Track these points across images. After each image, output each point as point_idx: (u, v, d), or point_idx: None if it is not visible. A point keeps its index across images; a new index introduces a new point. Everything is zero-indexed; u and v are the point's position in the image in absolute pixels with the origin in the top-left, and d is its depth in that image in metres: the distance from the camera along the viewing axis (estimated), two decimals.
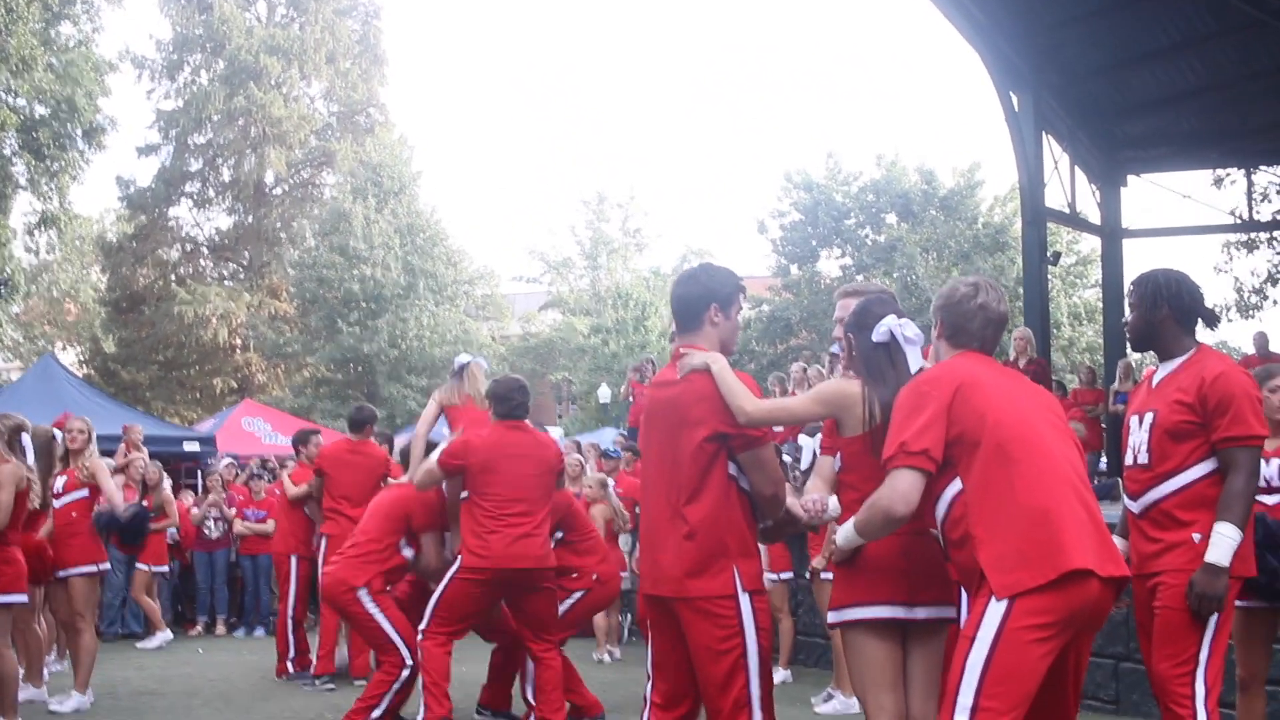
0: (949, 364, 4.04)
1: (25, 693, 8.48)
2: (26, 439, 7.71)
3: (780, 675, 9.36)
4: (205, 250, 42.45)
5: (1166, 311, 4.73)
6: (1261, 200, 21.70)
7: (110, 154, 54.94)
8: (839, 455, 4.40)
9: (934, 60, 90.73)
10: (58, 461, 8.66)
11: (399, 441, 10.42)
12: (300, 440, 11.31)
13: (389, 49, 49.42)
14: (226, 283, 41.29)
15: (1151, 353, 4.92)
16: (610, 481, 11.70)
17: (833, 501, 4.38)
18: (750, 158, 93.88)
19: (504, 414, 7.10)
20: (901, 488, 3.81)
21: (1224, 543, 4.40)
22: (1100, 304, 24.48)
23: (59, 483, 8.66)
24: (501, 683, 7.91)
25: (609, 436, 19.33)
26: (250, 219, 41.47)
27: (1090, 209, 18.75)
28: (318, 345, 36.92)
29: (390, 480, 9.43)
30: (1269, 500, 5.25)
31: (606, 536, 10.22)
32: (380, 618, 7.50)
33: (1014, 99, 16.52)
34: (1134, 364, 16.55)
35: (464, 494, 7.10)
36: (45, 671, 9.28)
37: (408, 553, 7.69)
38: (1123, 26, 16.04)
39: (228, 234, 41.97)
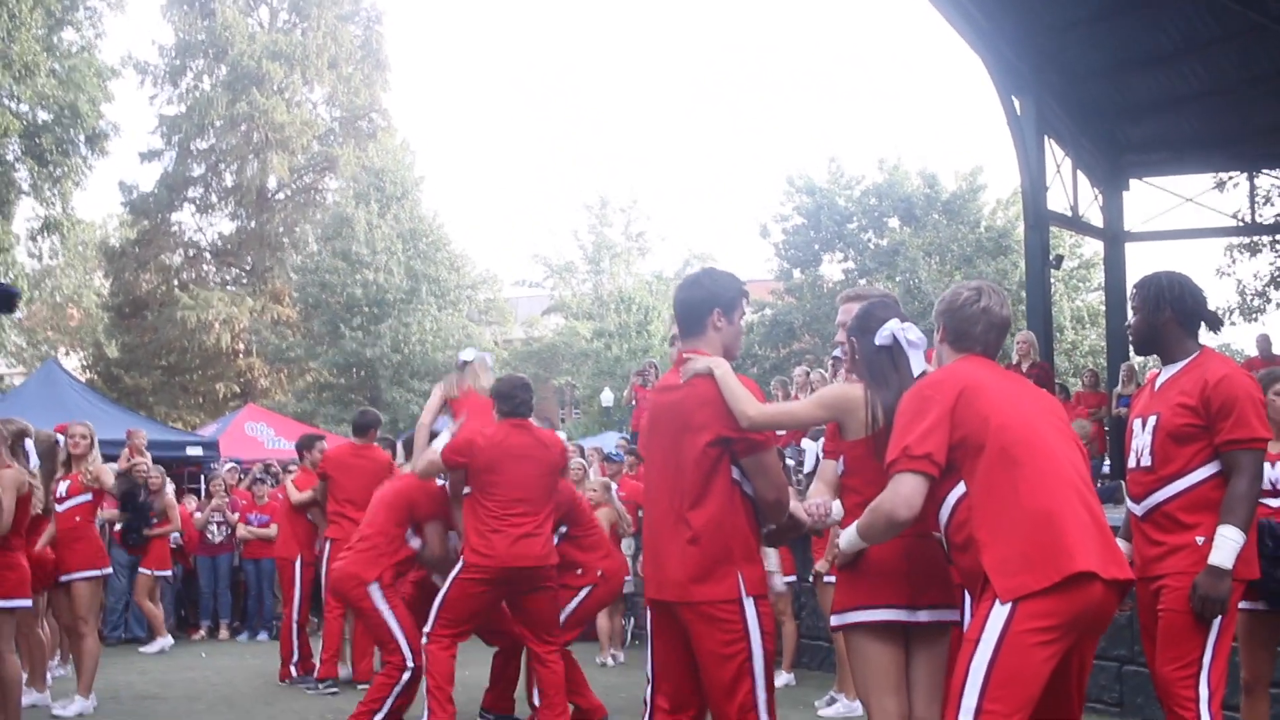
0: (952, 368, 4.04)
1: (29, 697, 8.50)
2: (29, 444, 7.72)
3: (784, 678, 9.36)
4: (208, 255, 42.51)
5: (1169, 315, 4.73)
6: (1264, 203, 21.70)
7: (113, 159, 55.20)
8: (842, 459, 4.40)
9: (936, 64, 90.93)
10: (60, 466, 8.67)
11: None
12: (304, 445, 11.31)
13: (391, 54, 49.41)
14: (229, 288, 41.33)
15: (1154, 356, 4.92)
16: (613, 485, 11.70)
17: (836, 505, 4.38)
18: (752, 161, 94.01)
19: (507, 412, 7.10)
20: (904, 492, 3.81)
21: (1227, 545, 4.40)
22: (1103, 307, 24.46)
23: (62, 487, 8.67)
24: (503, 685, 7.92)
25: (612, 440, 19.34)
26: (253, 224, 41.51)
27: (1092, 212, 18.74)
28: (320, 350, 36.94)
29: None
30: (1273, 503, 5.25)
31: (610, 540, 10.21)
32: (388, 615, 7.50)
33: (1016, 103, 16.51)
34: (1137, 367, 16.55)
35: (466, 489, 7.11)
36: (48, 676, 9.29)
37: (415, 543, 7.70)
38: (1124, 30, 16.04)
39: (230, 239, 42.02)
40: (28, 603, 7.66)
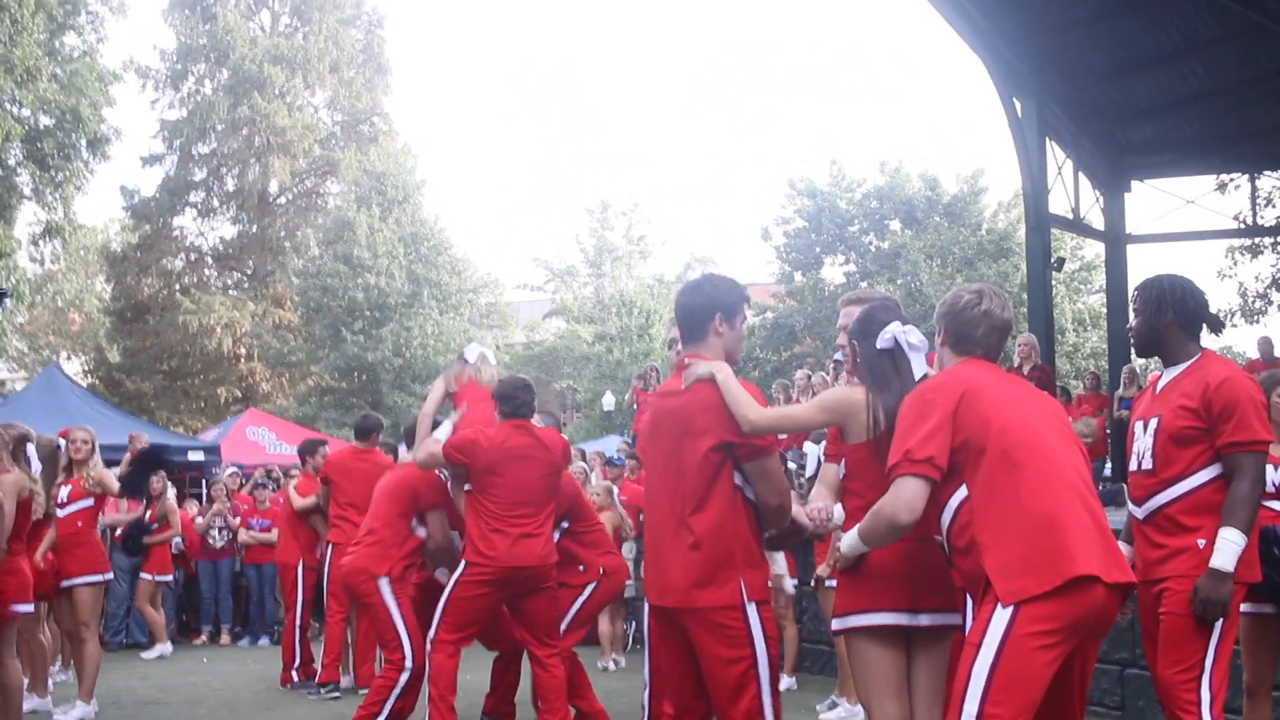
0: (953, 371, 4.04)
1: (30, 702, 8.49)
2: (31, 449, 7.71)
3: (785, 682, 9.34)
4: (209, 260, 42.51)
5: (1171, 317, 4.73)
6: (1265, 205, 21.71)
7: (114, 164, 55.19)
8: (843, 462, 4.40)
9: (937, 66, 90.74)
10: (60, 471, 8.67)
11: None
12: (307, 450, 11.30)
13: (392, 58, 49.61)
14: (231, 292, 41.34)
15: (1156, 358, 4.91)
16: (615, 489, 11.70)
17: (837, 510, 4.37)
18: (754, 165, 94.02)
19: (509, 413, 7.09)
20: (906, 495, 3.81)
21: (1229, 548, 4.39)
22: (1104, 310, 24.46)
23: (63, 492, 8.66)
24: (504, 690, 7.89)
25: (613, 444, 19.33)
26: (254, 228, 41.52)
27: (1094, 215, 18.74)
28: (322, 354, 36.93)
29: None
30: (1276, 505, 5.23)
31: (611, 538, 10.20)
32: (394, 611, 7.50)
33: (1017, 105, 16.51)
34: (1138, 370, 16.54)
35: (467, 486, 7.10)
36: (50, 681, 9.29)
37: (421, 532, 7.69)
38: (1125, 31, 16.03)
39: (232, 243, 42.03)
40: (29, 608, 7.65)
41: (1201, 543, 4.45)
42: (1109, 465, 15.52)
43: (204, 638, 14.31)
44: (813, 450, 9.06)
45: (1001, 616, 3.64)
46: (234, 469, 16.12)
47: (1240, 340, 30.18)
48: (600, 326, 41.67)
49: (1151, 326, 4.77)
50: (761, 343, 37.00)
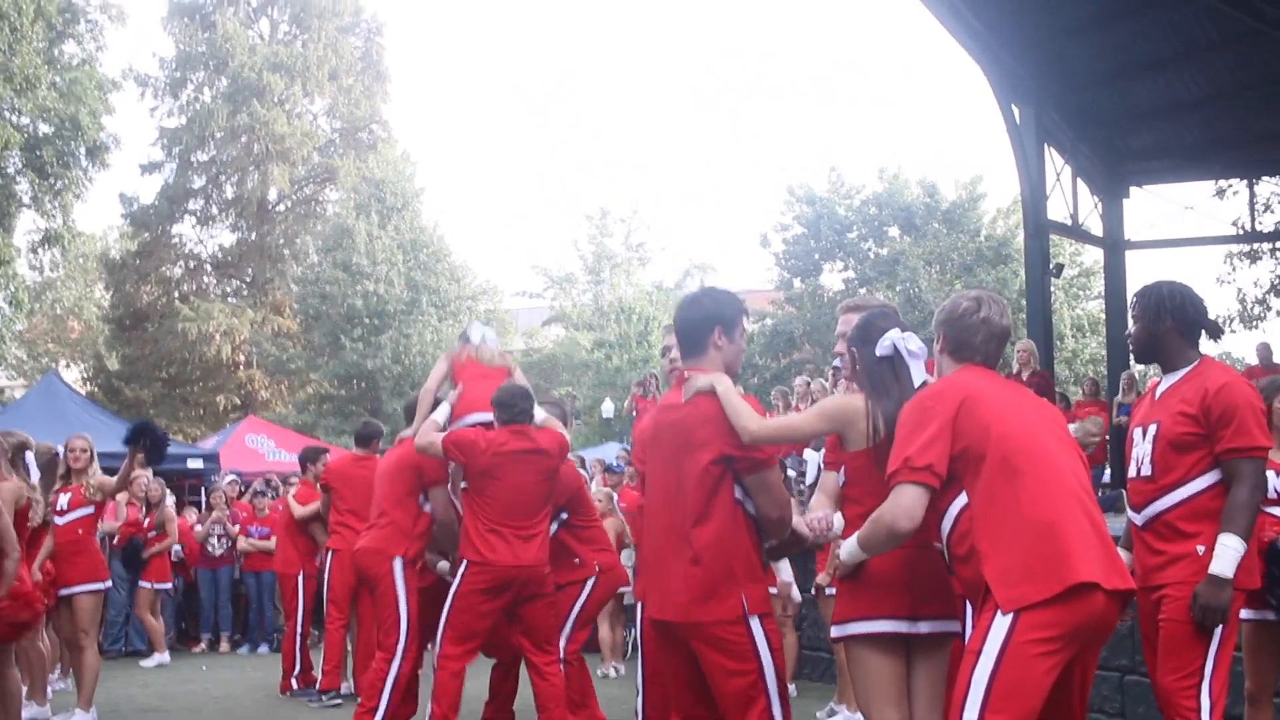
0: (952, 378, 4.04)
1: (29, 710, 8.48)
2: (30, 457, 7.71)
3: None
4: (208, 267, 42.51)
5: (1170, 323, 4.73)
6: (1264, 210, 21.71)
7: (113, 172, 55.27)
8: (843, 470, 4.40)
9: (936, 73, 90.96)
10: (58, 479, 8.66)
11: None
12: (309, 458, 11.30)
13: (391, 65, 49.54)
14: (230, 299, 41.33)
15: (1155, 365, 4.91)
16: (615, 495, 11.70)
17: (837, 519, 4.37)
18: (752, 171, 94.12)
19: (506, 420, 7.09)
20: (905, 503, 3.81)
21: (1228, 554, 4.39)
22: (1103, 316, 24.46)
23: (63, 500, 8.65)
24: (502, 699, 7.88)
25: (613, 451, 19.31)
26: (253, 236, 41.53)
27: (1092, 221, 18.75)
28: (321, 362, 36.92)
29: None
30: (1276, 512, 5.23)
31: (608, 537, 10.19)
32: (402, 594, 7.51)
33: (1015, 111, 16.53)
34: (1137, 376, 16.54)
35: (464, 484, 7.11)
36: (49, 689, 9.28)
37: (429, 508, 7.71)
38: (1123, 38, 16.06)
39: (231, 251, 42.03)
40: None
41: (1201, 549, 4.45)
42: (1108, 471, 15.51)
43: (203, 645, 14.30)
44: (813, 458, 9.08)
45: (1001, 624, 3.63)
46: (233, 477, 16.12)
47: (1239, 346, 30.22)
48: (599, 333, 41.62)
49: (1150, 333, 4.78)
50: (760, 349, 36.97)
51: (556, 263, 45.51)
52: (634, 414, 16.25)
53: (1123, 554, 4.54)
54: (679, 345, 4.79)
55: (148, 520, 13.02)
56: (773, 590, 5.74)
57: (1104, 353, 23.56)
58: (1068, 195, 18.07)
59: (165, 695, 10.49)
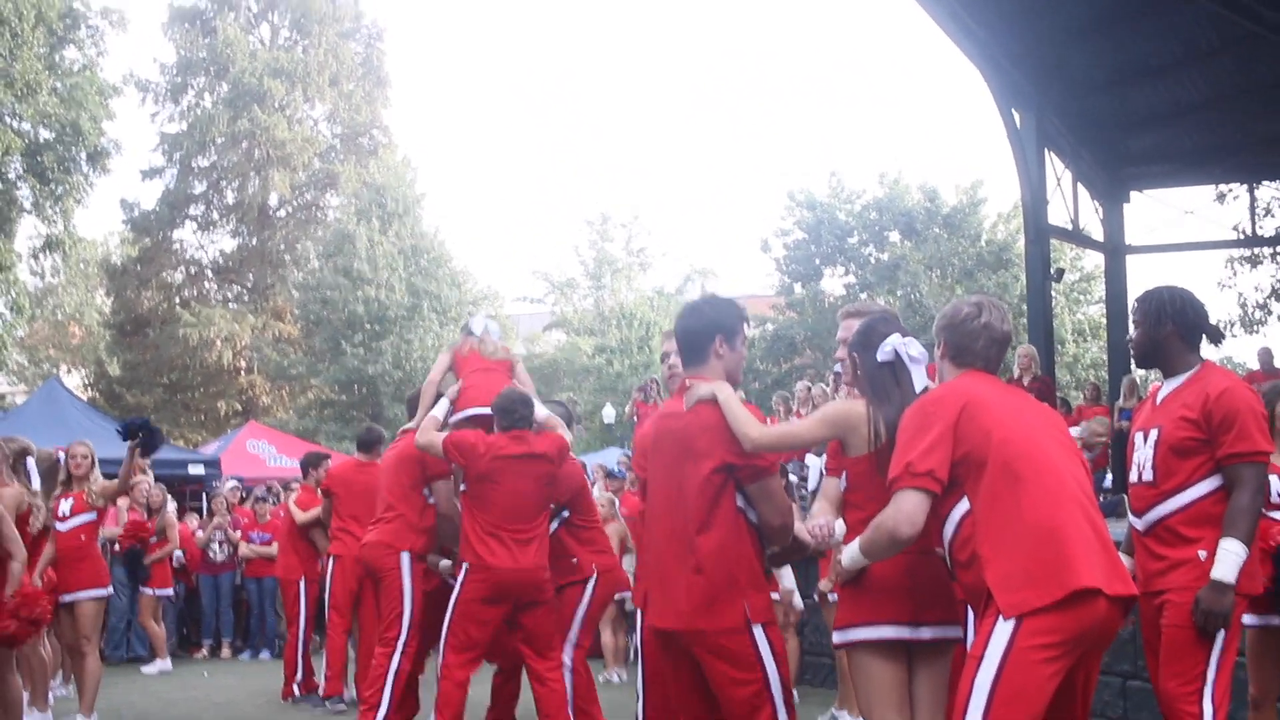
0: (953, 384, 4.04)
1: (30, 717, 8.46)
2: (31, 462, 7.71)
3: None
4: (209, 273, 42.51)
5: (1171, 328, 4.73)
6: (1264, 215, 21.69)
7: (114, 177, 55.32)
8: (844, 475, 4.40)
9: (936, 78, 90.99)
10: (59, 485, 8.66)
11: None
12: (311, 463, 11.30)
13: (392, 71, 49.65)
14: (231, 305, 41.34)
15: (1156, 369, 4.91)
16: (617, 501, 11.70)
17: (839, 525, 4.37)
18: (753, 176, 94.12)
19: (507, 426, 7.09)
20: (907, 509, 3.81)
21: (1230, 559, 4.38)
22: (1104, 320, 24.47)
23: (66, 506, 8.64)
24: (503, 705, 7.88)
25: (614, 457, 19.31)
26: (254, 241, 41.54)
27: (1093, 225, 18.73)
28: (322, 367, 36.92)
29: None
30: (1278, 515, 5.23)
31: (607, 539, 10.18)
32: (408, 588, 7.53)
33: (1016, 116, 16.52)
34: (1138, 380, 16.53)
35: (463, 487, 7.11)
36: (50, 696, 9.25)
37: (433, 501, 7.71)
38: (1124, 42, 16.04)
39: (232, 256, 42.04)
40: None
41: (1202, 554, 4.45)
42: (1109, 476, 15.51)
43: (205, 651, 14.30)
44: (815, 463, 9.06)
45: (1003, 629, 3.63)
46: (234, 482, 16.11)
47: (1240, 351, 30.23)
48: (600, 339, 41.65)
49: (1151, 338, 4.78)
50: (761, 354, 37.00)
51: (557, 268, 45.65)
52: (635, 419, 16.26)
53: (1124, 559, 4.55)
54: (680, 353, 4.80)
55: (148, 525, 13.00)
56: (775, 596, 5.74)
57: (1105, 357, 23.56)
58: (1068, 200, 18.06)
59: (167, 701, 10.49)
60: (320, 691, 10.07)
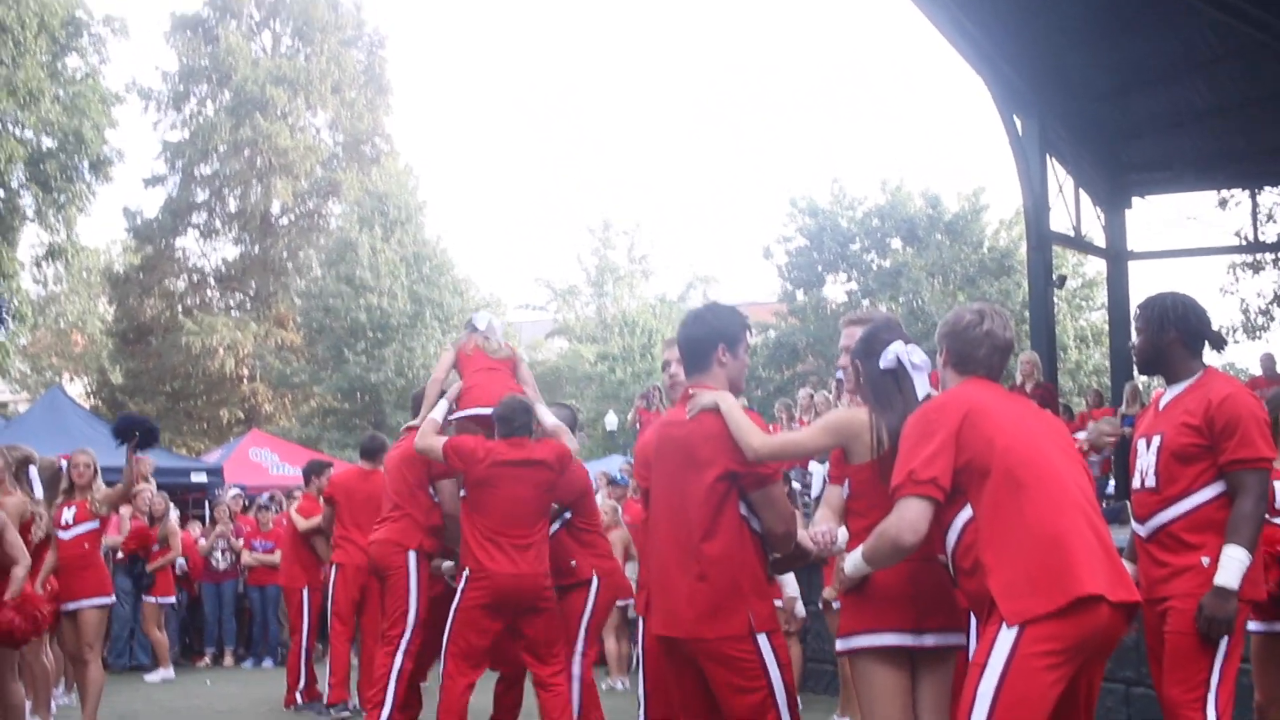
0: (956, 391, 4.04)
1: None
2: (34, 471, 7.71)
3: None
4: (212, 281, 42.49)
5: (1174, 334, 4.72)
6: (1267, 221, 21.72)
7: (117, 185, 55.50)
8: (847, 483, 4.40)
9: (938, 85, 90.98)
10: (61, 493, 8.66)
11: None
12: (313, 471, 11.29)
13: (394, 79, 49.68)
14: (233, 313, 41.34)
15: (1159, 376, 4.91)
16: (619, 508, 11.70)
17: (841, 532, 4.37)
18: (755, 183, 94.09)
19: (506, 434, 7.09)
20: (909, 516, 3.81)
21: (1233, 565, 4.37)
22: (1106, 327, 24.47)
23: (69, 514, 8.63)
24: (506, 712, 7.87)
25: (616, 464, 19.31)
26: (256, 249, 41.54)
27: (1095, 232, 18.77)
28: (325, 375, 36.92)
29: None
30: None
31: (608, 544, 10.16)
32: (414, 589, 7.53)
33: (1018, 123, 16.55)
34: (1141, 387, 16.53)
35: (462, 492, 7.11)
36: (53, 704, 9.27)
37: (438, 499, 7.71)
38: (1126, 49, 16.07)
39: (234, 264, 42.03)
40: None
41: (1205, 560, 4.44)
42: (1112, 483, 15.50)
43: (207, 660, 14.29)
44: (818, 470, 9.07)
45: (1006, 637, 3.63)
46: (237, 490, 16.11)
47: (1242, 357, 30.14)
48: (603, 346, 41.66)
49: (1154, 344, 4.77)
50: (764, 361, 36.98)
51: (560, 275, 45.73)
52: (637, 427, 16.26)
53: (1127, 566, 4.55)
54: (682, 361, 4.80)
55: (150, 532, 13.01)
56: (777, 603, 5.74)
57: (1107, 364, 23.59)
58: (1070, 206, 18.09)
59: (170, 710, 10.48)
60: (324, 699, 10.06)
